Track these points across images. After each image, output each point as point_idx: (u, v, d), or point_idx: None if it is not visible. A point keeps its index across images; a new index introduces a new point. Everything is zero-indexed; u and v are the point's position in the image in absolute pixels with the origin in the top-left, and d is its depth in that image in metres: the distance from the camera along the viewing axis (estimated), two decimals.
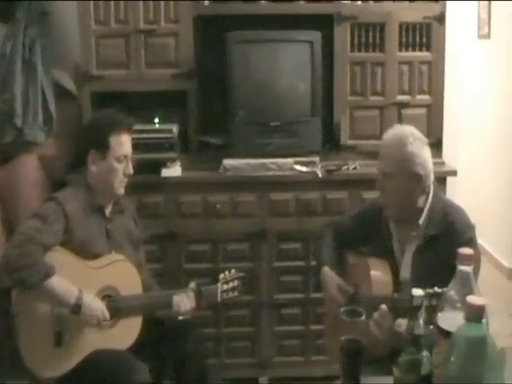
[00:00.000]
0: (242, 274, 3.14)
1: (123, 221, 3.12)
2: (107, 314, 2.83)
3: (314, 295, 3.89)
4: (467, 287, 1.61)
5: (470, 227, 2.75)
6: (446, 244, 2.61)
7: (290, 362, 4.04)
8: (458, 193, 5.00)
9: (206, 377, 3.17)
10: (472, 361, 1.42)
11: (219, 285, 3.06)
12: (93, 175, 2.99)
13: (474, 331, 1.43)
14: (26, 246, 2.68)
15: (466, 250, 1.67)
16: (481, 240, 5.85)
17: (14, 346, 2.76)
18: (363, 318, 1.98)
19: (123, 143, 2.99)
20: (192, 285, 3.05)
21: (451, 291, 1.65)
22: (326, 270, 2.97)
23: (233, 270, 3.13)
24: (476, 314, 1.42)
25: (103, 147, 2.95)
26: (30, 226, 2.77)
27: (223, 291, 3.07)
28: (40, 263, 2.69)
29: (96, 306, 2.80)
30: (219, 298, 3.07)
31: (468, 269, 1.66)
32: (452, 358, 1.44)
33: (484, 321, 1.44)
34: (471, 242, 2.64)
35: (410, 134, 2.72)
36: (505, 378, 1.50)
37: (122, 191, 3.04)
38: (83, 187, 3.00)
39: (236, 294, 3.12)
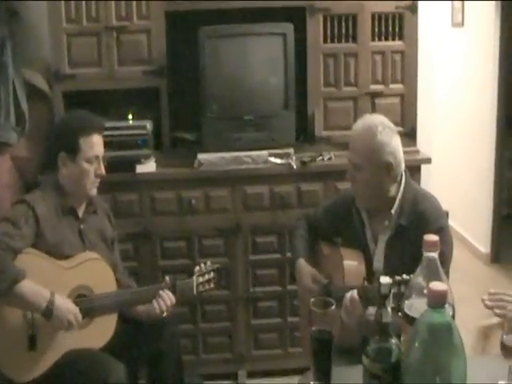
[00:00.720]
0: (217, 266, 3.11)
1: (97, 221, 3.08)
2: (79, 317, 2.78)
3: (290, 287, 3.89)
4: (433, 274, 1.60)
5: (441, 216, 2.74)
6: (417, 233, 2.60)
7: (268, 354, 4.05)
8: (433, 180, 5.05)
9: (182, 374, 3.17)
10: (435, 347, 1.42)
11: (194, 278, 3.03)
12: (64, 177, 2.95)
13: (436, 317, 1.42)
14: None
15: (431, 237, 1.66)
16: (457, 226, 5.96)
17: None
18: (333, 307, 1.97)
19: (94, 144, 2.94)
20: (167, 279, 3.02)
21: (418, 278, 1.65)
22: (301, 262, 2.97)
23: (208, 262, 3.10)
24: (438, 300, 1.41)
25: (73, 150, 2.91)
26: None
27: (199, 284, 3.04)
28: (8, 269, 2.62)
29: (68, 309, 2.74)
30: (195, 291, 3.04)
31: (434, 255, 1.65)
32: (416, 344, 1.43)
33: (446, 306, 1.43)
34: (442, 230, 2.63)
35: (379, 123, 2.71)
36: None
37: (94, 192, 3.01)
38: (55, 189, 2.96)
39: (212, 286, 3.09)
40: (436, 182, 5.26)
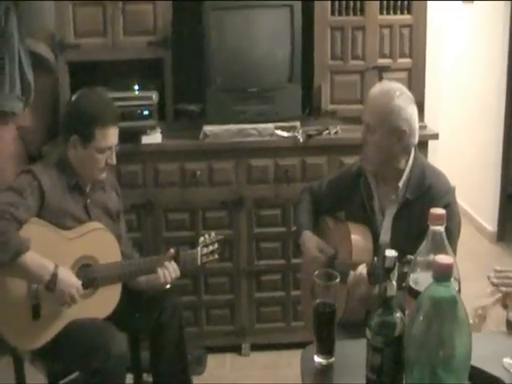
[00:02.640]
0: (221, 237, 3.11)
1: (103, 196, 3.05)
2: (81, 291, 2.77)
3: (293, 261, 3.89)
4: (440, 247, 1.58)
5: (449, 191, 2.73)
6: (424, 207, 2.59)
7: (271, 328, 4.05)
8: (439, 157, 5.02)
9: (184, 345, 3.16)
10: (439, 321, 1.41)
11: (199, 248, 3.03)
12: (73, 157, 2.90)
13: (441, 291, 1.40)
14: None
15: (437, 210, 1.64)
16: (464, 203, 5.94)
17: None
18: (337, 280, 1.97)
19: (108, 135, 2.87)
20: (171, 251, 3.01)
21: (423, 252, 1.64)
22: (307, 233, 2.96)
23: (212, 233, 3.09)
24: (443, 273, 1.40)
25: (87, 137, 2.84)
26: (3, 201, 2.69)
27: (203, 255, 3.04)
28: (12, 240, 2.61)
29: (71, 282, 2.73)
30: (199, 262, 3.04)
31: (440, 228, 1.63)
32: (420, 318, 1.42)
33: (452, 280, 1.42)
34: (449, 205, 2.62)
35: (397, 89, 2.71)
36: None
37: (102, 177, 2.96)
38: (62, 163, 2.91)
39: (216, 257, 3.09)
40: (442, 159, 5.24)
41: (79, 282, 2.77)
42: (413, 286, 1.68)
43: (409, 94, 2.74)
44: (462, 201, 6.02)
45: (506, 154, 5.67)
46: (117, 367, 2.73)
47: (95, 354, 2.69)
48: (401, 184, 2.74)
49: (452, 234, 2.57)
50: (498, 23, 5.53)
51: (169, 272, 2.94)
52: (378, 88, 2.77)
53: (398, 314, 1.64)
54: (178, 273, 2.97)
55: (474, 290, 3.08)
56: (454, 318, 1.41)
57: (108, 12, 3.78)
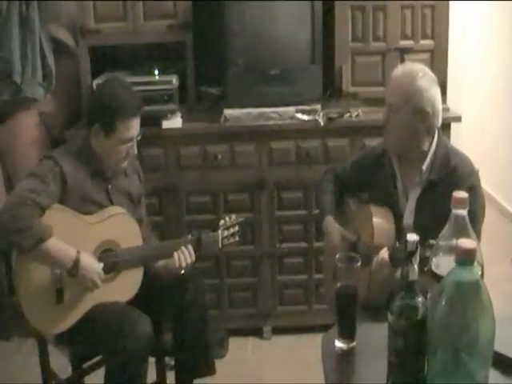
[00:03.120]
0: (242, 220, 3.10)
1: (125, 181, 3.04)
2: (103, 276, 2.78)
3: (315, 244, 3.88)
4: (462, 231, 1.57)
5: (473, 173, 2.70)
6: (447, 190, 2.56)
7: (293, 311, 4.06)
8: (462, 138, 4.98)
9: (207, 328, 3.17)
10: (461, 305, 1.40)
11: (220, 231, 3.02)
12: (95, 144, 2.90)
13: (464, 275, 1.40)
14: (20, 208, 2.61)
15: (460, 193, 1.63)
16: (486, 186, 5.85)
17: (18, 304, 2.74)
18: (359, 264, 1.96)
19: (131, 127, 2.85)
20: (189, 236, 3.00)
21: (446, 235, 1.62)
22: (329, 219, 2.95)
23: (233, 216, 3.09)
24: (466, 258, 1.39)
25: (109, 128, 2.82)
26: (25, 187, 2.69)
27: (224, 237, 3.04)
28: (34, 227, 2.61)
29: (93, 268, 2.75)
30: (220, 245, 3.04)
31: (463, 212, 1.62)
32: (442, 302, 1.41)
33: (475, 264, 1.41)
34: (474, 188, 2.61)
35: (420, 70, 2.69)
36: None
37: (124, 165, 2.95)
38: (84, 149, 2.90)
39: (237, 239, 3.08)
40: (466, 141, 5.20)
41: (101, 268, 2.78)
42: (435, 270, 1.67)
43: (432, 75, 2.72)
44: (486, 184, 5.92)
45: None
46: (141, 349, 2.74)
47: (120, 335, 2.70)
48: (424, 166, 2.72)
49: (476, 216, 2.55)
50: None
51: (184, 256, 2.93)
52: (400, 69, 2.75)
53: (420, 298, 1.63)
54: (194, 258, 2.96)
55: (497, 273, 3.07)
56: (478, 302, 1.40)
57: None
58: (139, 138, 2.92)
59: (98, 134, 2.85)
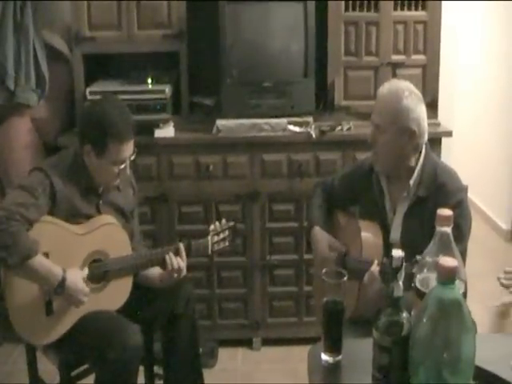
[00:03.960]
0: (232, 224, 3.10)
1: (117, 195, 3.02)
2: (87, 295, 2.77)
3: (306, 256, 3.90)
4: (447, 248, 1.59)
5: (461, 189, 2.71)
6: (435, 206, 2.58)
7: (283, 322, 4.07)
8: (454, 154, 5.01)
9: (197, 338, 3.18)
10: (443, 322, 1.42)
11: (209, 237, 3.03)
12: (87, 161, 2.87)
13: (445, 293, 1.41)
14: (7, 223, 2.58)
15: (444, 211, 1.65)
16: (479, 202, 5.91)
17: (6, 315, 2.74)
18: (345, 279, 1.98)
19: (123, 150, 2.81)
20: (177, 244, 3.00)
21: (430, 253, 1.64)
22: (317, 230, 2.96)
23: (223, 221, 3.09)
24: (448, 276, 1.41)
25: (100, 150, 2.79)
26: (14, 201, 2.67)
27: (214, 243, 3.04)
28: (21, 243, 2.59)
29: (78, 289, 2.73)
30: (210, 250, 3.04)
31: (447, 230, 1.64)
32: (424, 319, 1.43)
33: (457, 282, 1.43)
34: (461, 204, 2.63)
35: (406, 88, 2.69)
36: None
37: (115, 183, 2.94)
38: (76, 163, 2.88)
39: (227, 244, 3.09)
40: (457, 156, 5.22)
41: (87, 289, 2.78)
42: (419, 286, 1.69)
43: (417, 92, 2.72)
44: (477, 199, 6.01)
45: None
46: (132, 359, 2.75)
47: (111, 345, 2.70)
48: (412, 181, 2.73)
49: (463, 232, 2.59)
50: None
51: (176, 260, 2.93)
52: (386, 88, 2.75)
53: (405, 315, 1.65)
54: (182, 264, 2.95)
55: (488, 288, 3.08)
56: (459, 319, 1.42)
57: (122, 5, 3.79)
58: (133, 158, 2.91)
59: (89, 153, 2.83)
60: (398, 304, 1.65)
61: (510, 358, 1.98)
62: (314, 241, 2.97)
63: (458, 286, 1.48)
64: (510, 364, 1.98)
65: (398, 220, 2.78)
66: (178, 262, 2.94)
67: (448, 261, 1.42)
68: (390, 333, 1.65)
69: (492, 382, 1.88)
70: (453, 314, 1.41)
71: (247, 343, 4.09)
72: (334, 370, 1.98)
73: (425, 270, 1.68)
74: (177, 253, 2.96)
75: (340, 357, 1.99)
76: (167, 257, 2.93)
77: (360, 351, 1.93)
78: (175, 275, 2.96)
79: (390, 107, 2.67)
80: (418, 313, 1.50)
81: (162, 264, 2.97)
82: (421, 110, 2.69)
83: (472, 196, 5.96)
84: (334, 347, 1.99)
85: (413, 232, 2.69)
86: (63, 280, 2.68)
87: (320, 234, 2.94)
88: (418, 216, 2.71)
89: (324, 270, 2.00)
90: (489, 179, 6.00)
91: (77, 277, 2.76)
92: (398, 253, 1.65)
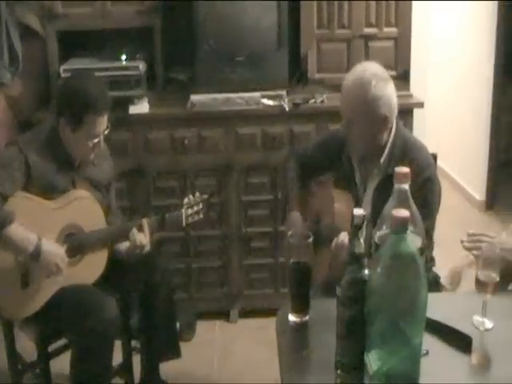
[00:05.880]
0: (205, 197, 3.12)
1: (93, 169, 3.04)
2: (65, 259, 2.81)
3: (282, 228, 3.92)
4: (403, 205, 1.63)
5: (430, 165, 2.73)
6: None
7: (260, 294, 4.11)
8: (428, 125, 5.04)
9: (173, 309, 3.22)
10: (397, 273, 1.46)
11: (183, 210, 3.05)
12: (62, 134, 2.89)
13: (398, 243, 1.46)
14: None
15: (402, 169, 1.70)
16: (453, 173, 5.95)
17: None
18: (310, 240, 2.02)
19: (98, 124, 2.84)
20: (143, 220, 3.01)
21: (389, 209, 1.68)
22: (294, 216, 2.94)
23: (197, 193, 3.11)
24: (399, 226, 1.45)
25: (75, 124, 2.82)
26: None
27: (188, 215, 3.06)
28: None
29: (54, 253, 2.76)
30: (184, 223, 3.07)
31: (405, 186, 1.69)
32: (378, 269, 1.47)
33: (409, 232, 1.47)
34: (430, 180, 2.66)
35: (371, 76, 2.63)
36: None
37: (90, 157, 2.95)
38: (52, 137, 2.90)
39: (201, 216, 3.10)
40: (431, 127, 5.25)
41: (63, 252, 2.80)
42: (378, 243, 1.73)
43: (382, 73, 2.68)
44: (451, 170, 6.06)
45: (494, 122, 5.65)
46: (107, 331, 2.79)
47: (86, 318, 2.74)
48: (382, 160, 2.73)
49: (431, 208, 2.64)
50: None
51: (139, 237, 2.95)
52: (350, 80, 2.69)
53: (367, 271, 1.69)
54: (144, 241, 2.96)
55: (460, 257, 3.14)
56: (412, 269, 1.46)
57: None
58: (107, 132, 2.93)
59: (64, 127, 2.86)
60: (359, 261, 1.68)
61: (471, 314, 2.05)
62: (288, 226, 2.92)
63: (414, 240, 1.52)
64: (472, 320, 2.04)
65: (369, 196, 2.80)
66: (140, 239, 2.95)
67: (400, 211, 1.46)
68: (352, 289, 1.68)
69: (455, 337, 1.95)
70: (405, 263, 1.45)
71: (225, 315, 4.13)
72: (300, 330, 2.03)
73: (384, 227, 1.72)
74: (140, 229, 2.97)
75: (307, 317, 2.03)
76: (130, 233, 2.95)
77: (327, 311, 1.95)
78: (137, 251, 2.98)
79: (359, 101, 2.63)
80: (373, 263, 1.54)
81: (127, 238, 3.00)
82: (390, 92, 2.66)
83: (447, 167, 6.04)
84: (301, 308, 2.03)
85: (382, 207, 2.72)
86: (38, 246, 2.71)
87: (295, 223, 2.90)
88: (387, 192, 2.72)
89: (290, 233, 2.04)
90: (463, 150, 6.04)
91: (52, 242, 2.79)
92: (359, 211, 1.69)
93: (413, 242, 1.49)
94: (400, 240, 1.45)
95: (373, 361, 1.49)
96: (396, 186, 1.71)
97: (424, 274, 1.49)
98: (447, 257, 3.03)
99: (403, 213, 1.45)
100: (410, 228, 1.50)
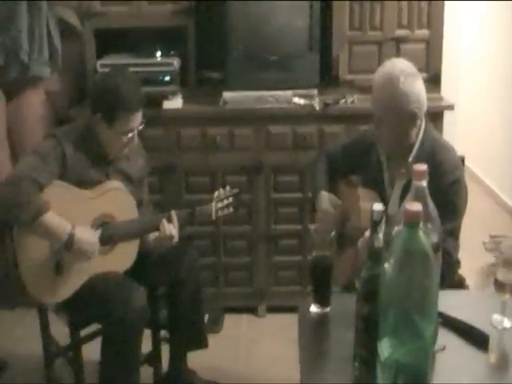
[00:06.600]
0: (236, 191, 3.19)
1: (127, 164, 3.12)
2: (98, 246, 2.89)
3: (310, 227, 3.97)
4: (422, 202, 1.66)
5: (457, 167, 2.74)
6: (432, 183, 2.61)
7: (287, 291, 4.16)
8: (458, 127, 5.04)
9: (201, 302, 3.28)
10: (407, 265, 1.50)
11: (213, 203, 3.13)
12: (97, 129, 2.98)
13: (409, 236, 1.50)
14: (20, 183, 2.72)
15: (420, 167, 1.74)
16: (484, 177, 5.93)
17: (18, 275, 2.85)
18: (333, 234, 2.07)
19: (132, 120, 2.93)
20: (172, 212, 3.08)
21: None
22: (323, 194, 2.97)
23: (227, 187, 3.19)
24: (411, 219, 1.50)
25: (110, 119, 2.91)
26: (26, 165, 2.81)
27: (218, 209, 3.14)
28: (33, 202, 2.72)
29: (88, 240, 2.85)
30: (214, 216, 3.14)
31: (422, 183, 1.73)
32: (391, 262, 1.52)
33: (422, 227, 1.51)
34: (457, 182, 2.68)
35: (400, 73, 2.65)
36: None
37: (124, 152, 3.04)
38: (88, 131, 2.99)
39: (231, 210, 3.18)
40: (461, 130, 5.26)
41: (96, 238, 2.89)
42: (395, 237, 1.76)
43: (410, 69, 2.70)
44: (483, 174, 6.05)
45: None
46: (136, 320, 2.86)
47: (116, 306, 2.82)
48: (410, 159, 2.74)
49: (457, 209, 2.66)
50: None
51: (168, 227, 3.02)
52: (380, 75, 2.73)
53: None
54: (173, 232, 3.02)
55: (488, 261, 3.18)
56: (423, 263, 1.50)
57: None
58: (141, 127, 3.01)
59: (99, 123, 2.95)
60: (378, 256, 1.72)
61: (490, 315, 2.09)
62: (319, 203, 2.96)
63: (429, 234, 1.57)
64: (490, 319, 2.09)
65: (396, 195, 2.81)
66: (170, 229, 3.02)
67: (413, 205, 1.51)
68: (371, 284, 1.73)
69: (474, 335, 2.00)
70: (417, 256, 1.49)
71: (252, 311, 4.20)
72: (321, 320, 2.09)
73: (402, 224, 1.76)
74: (169, 220, 3.05)
75: (328, 309, 2.09)
76: (160, 224, 3.03)
77: (347, 305, 2.00)
78: (166, 241, 3.06)
79: (387, 96, 2.66)
80: (386, 256, 1.59)
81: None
82: (419, 88, 2.68)
83: (477, 171, 6.02)
84: (323, 300, 2.09)
85: None
86: (72, 234, 2.79)
87: (324, 195, 2.95)
88: None
89: (313, 227, 2.10)
90: (494, 154, 6.01)
91: (87, 230, 2.88)
92: (378, 206, 1.74)
93: (426, 236, 1.54)
94: (412, 233, 1.50)
95: (385, 348, 1.54)
96: (414, 183, 1.75)
97: (436, 268, 1.54)
98: (475, 262, 3.05)
99: (416, 206, 1.50)
100: (428, 225, 1.54)
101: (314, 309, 2.10)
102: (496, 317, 2.10)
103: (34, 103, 4.05)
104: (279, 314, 4.15)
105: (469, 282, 2.90)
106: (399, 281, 1.51)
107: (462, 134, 5.12)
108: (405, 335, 1.50)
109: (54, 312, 3.09)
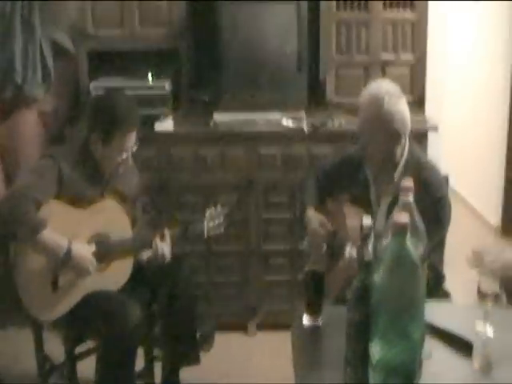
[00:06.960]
0: (227, 210, 3.26)
1: (121, 183, 3.18)
2: (94, 263, 2.95)
3: (300, 246, 4.03)
4: (409, 216, 1.74)
5: (442, 185, 2.84)
6: (417, 201, 2.69)
7: (278, 309, 4.18)
8: (444, 149, 5.12)
9: (194, 317, 3.35)
10: (395, 272, 1.59)
11: (205, 223, 3.20)
12: (92, 148, 3.05)
13: (396, 245, 1.58)
14: (18, 201, 2.79)
15: (406, 183, 1.83)
16: (468, 197, 5.98)
17: (15, 292, 2.91)
18: (324, 248, 2.15)
19: (127, 140, 3.01)
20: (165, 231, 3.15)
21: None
22: (310, 211, 3.03)
23: (218, 206, 3.26)
24: (399, 230, 1.58)
25: (106, 139, 2.98)
26: (24, 183, 2.89)
27: (209, 228, 3.21)
28: (30, 218, 2.79)
29: (84, 256, 2.91)
30: (206, 235, 3.21)
31: (409, 199, 1.82)
32: (380, 270, 1.60)
33: (409, 238, 1.60)
34: (442, 199, 2.77)
35: (385, 93, 2.75)
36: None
37: (120, 170, 3.11)
38: (83, 150, 3.06)
39: (222, 230, 3.25)
40: (446, 151, 5.32)
41: (91, 255, 2.94)
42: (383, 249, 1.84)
43: (394, 91, 2.79)
44: (467, 195, 6.11)
45: (510, 146, 5.64)
46: (132, 336, 2.92)
47: (112, 322, 2.88)
48: (396, 176, 2.83)
49: (442, 224, 2.76)
50: (503, 15, 5.60)
51: (161, 246, 3.09)
52: (366, 96, 2.84)
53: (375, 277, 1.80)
54: (166, 250, 3.10)
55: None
56: (410, 270, 1.58)
57: (125, 4, 4.01)
58: (135, 148, 3.08)
59: (95, 142, 3.02)
60: (368, 267, 1.79)
61: (474, 324, 2.17)
62: (307, 220, 3.01)
63: (415, 245, 1.65)
64: (474, 328, 2.16)
65: (382, 211, 2.89)
66: (162, 248, 3.09)
67: (400, 216, 1.60)
68: (361, 294, 1.80)
69: (457, 343, 2.08)
70: (404, 263, 1.58)
71: (243, 328, 4.24)
72: (313, 331, 2.16)
73: (390, 237, 1.85)
74: (162, 238, 3.11)
75: (320, 320, 2.16)
76: (153, 242, 3.10)
77: (339, 316, 2.03)
78: (159, 259, 3.12)
79: (373, 116, 2.76)
80: (375, 267, 1.67)
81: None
82: (402, 108, 2.77)
83: (462, 192, 6.08)
84: (315, 312, 2.16)
85: None
86: (69, 249, 2.86)
87: (312, 214, 3.00)
88: None
89: (305, 242, 2.17)
90: (478, 175, 6.07)
91: (83, 246, 2.94)
92: (367, 220, 1.81)
93: (412, 245, 1.62)
94: (400, 242, 1.58)
95: (376, 351, 1.62)
96: (401, 198, 1.83)
97: (422, 275, 1.62)
98: (460, 281, 3.11)
99: (404, 217, 1.59)
100: (415, 238, 1.62)
101: (306, 321, 2.17)
102: (479, 325, 2.17)
103: (28, 123, 4.11)
104: (269, 332, 4.18)
105: (454, 296, 2.97)
106: (389, 286, 1.59)
107: (446, 154, 5.19)
108: (394, 338, 1.58)
109: (49, 329, 3.13)
